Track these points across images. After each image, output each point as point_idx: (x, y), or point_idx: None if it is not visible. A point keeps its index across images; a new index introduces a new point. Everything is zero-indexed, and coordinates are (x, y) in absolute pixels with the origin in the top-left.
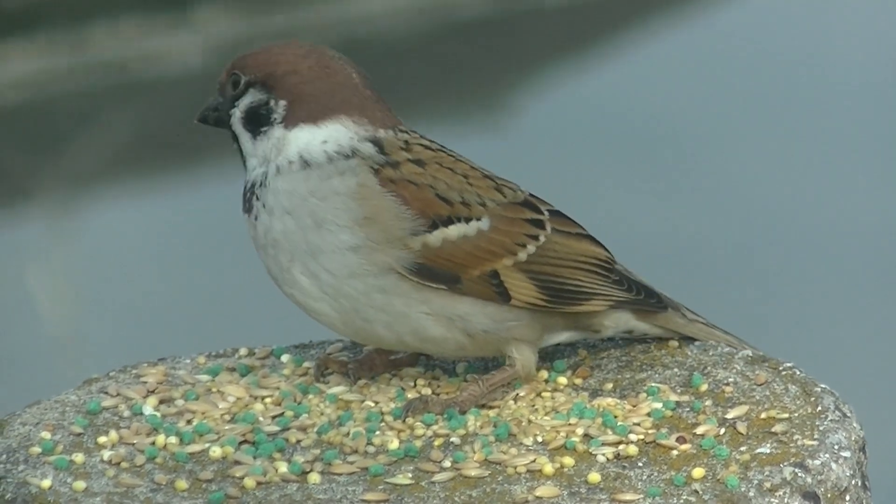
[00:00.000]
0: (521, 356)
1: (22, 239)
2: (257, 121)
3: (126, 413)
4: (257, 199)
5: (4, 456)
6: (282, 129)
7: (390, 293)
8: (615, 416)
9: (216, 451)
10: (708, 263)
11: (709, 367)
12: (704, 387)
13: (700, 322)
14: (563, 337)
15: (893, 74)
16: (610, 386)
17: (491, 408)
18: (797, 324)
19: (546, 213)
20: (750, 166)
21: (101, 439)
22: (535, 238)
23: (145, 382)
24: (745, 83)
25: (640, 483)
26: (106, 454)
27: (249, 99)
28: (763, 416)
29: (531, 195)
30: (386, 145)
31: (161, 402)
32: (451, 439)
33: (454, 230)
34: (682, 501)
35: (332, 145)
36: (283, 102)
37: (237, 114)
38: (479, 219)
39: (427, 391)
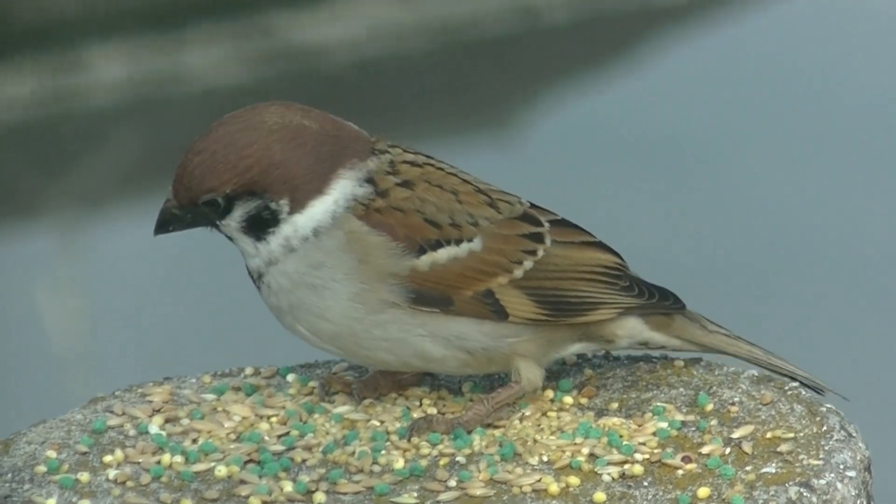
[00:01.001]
0: (527, 372)
1: (31, 256)
2: (262, 225)
3: (132, 432)
4: (262, 281)
5: (10, 475)
6: (291, 220)
7: (388, 323)
8: (621, 436)
9: (222, 471)
10: (719, 279)
11: (714, 387)
12: (710, 406)
13: (721, 333)
14: (576, 348)
15: None
16: (615, 405)
17: (496, 427)
18: (806, 337)
19: (546, 224)
20: (763, 183)
21: (107, 458)
22: (533, 253)
23: (151, 402)
24: (756, 100)
25: (645, 502)
26: (111, 473)
27: (243, 210)
28: (768, 435)
29: (532, 206)
30: (376, 177)
31: (167, 421)
32: (457, 459)
33: (443, 253)
34: None
35: (341, 202)
36: (284, 201)
37: (233, 225)
38: (470, 240)
39: (433, 411)
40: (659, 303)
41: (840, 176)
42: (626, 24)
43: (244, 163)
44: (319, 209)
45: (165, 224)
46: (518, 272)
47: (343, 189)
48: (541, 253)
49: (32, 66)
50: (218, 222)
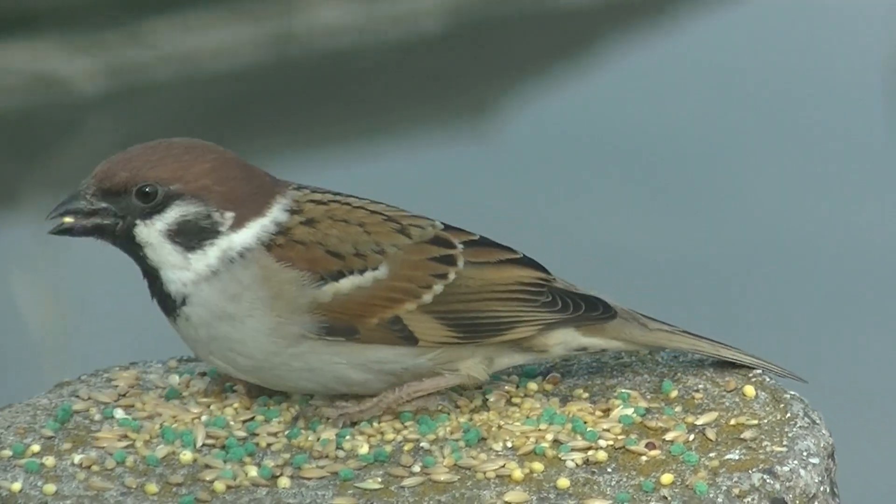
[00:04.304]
0: (468, 367)
1: (9, 244)
2: (197, 234)
3: (97, 416)
4: (182, 308)
5: None
6: (228, 236)
7: (305, 354)
8: (585, 422)
9: (186, 455)
10: (693, 275)
11: (679, 374)
12: (674, 393)
13: (664, 330)
14: (515, 359)
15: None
16: (580, 392)
17: (462, 413)
18: (779, 332)
19: (459, 246)
20: (740, 176)
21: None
22: (444, 276)
23: (116, 386)
24: (737, 91)
25: (608, 489)
26: (76, 457)
27: (178, 213)
28: (732, 422)
29: (446, 228)
30: (284, 218)
31: (132, 405)
32: (421, 444)
33: (346, 283)
34: None
35: (271, 226)
36: (230, 214)
37: (158, 228)
38: (375, 268)
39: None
40: (585, 314)
41: (820, 172)
42: (606, 14)
43: (201, 167)
44: (253, 230)
45: (78, 213)
46: (427, 297)
47: (276, 214)
48: (452, 276)
49: (7, 54)
50: (139, 221)
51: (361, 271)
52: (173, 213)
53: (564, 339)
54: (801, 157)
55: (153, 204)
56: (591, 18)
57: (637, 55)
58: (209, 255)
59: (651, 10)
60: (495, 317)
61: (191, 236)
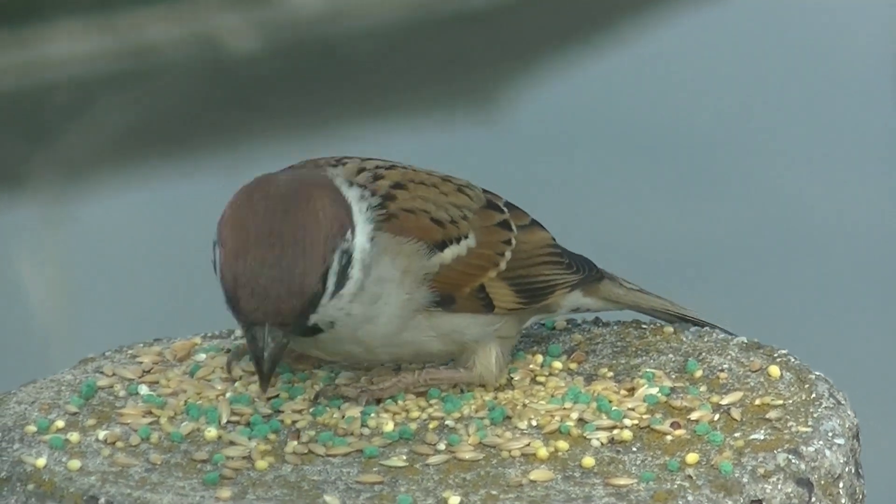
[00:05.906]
0: (483, 360)
1: (14, 225)
2: (345, 271)
3: (121, 393)
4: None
5: (0, 434)
6: (357, 247)
7: (411, 330)
8: (610, 401)
9: (211, 432)
10: (707, 261)
11: (704, 354)
12: (699, 373)
13: (637, 290)
14: (527, 323)
15: None
16: (605, 371)
17: (487, 391)
18: (794, 314)
19: (505, 209)
20: (752, 161)
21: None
22: (509, 242)
23: (141, 362)
24: (749, 76)
25: (634, 468)
26: (101, 433)
27: (333, 270)
28: (757, 402)
29: (485, 191)
30: (365, 183)
31: (156, 382)
32: (446, 422)
33: (448, 253)
34: (675, 486)
35: (370, 203)
36: (348, 232)
37: (329, 292)
38: (466, 236)
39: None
40: (590, 274)
41: (833, 158)
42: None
43: (318, 230)
44: (361, 223)
45: (277, 360)
46: (502, 264)
47: (358, 203)
48: (514, 242)
49: (17, 35)
50: (322, 304)
51: (458, 239)
52: (332, 276)
53: (572, 301)
54: (816, 142)
55: (324, 288)
56: (599, 2)
57: (647, 40)
58: (355, 275)
59: None
60: (544, 280)
61: (342, 278)
